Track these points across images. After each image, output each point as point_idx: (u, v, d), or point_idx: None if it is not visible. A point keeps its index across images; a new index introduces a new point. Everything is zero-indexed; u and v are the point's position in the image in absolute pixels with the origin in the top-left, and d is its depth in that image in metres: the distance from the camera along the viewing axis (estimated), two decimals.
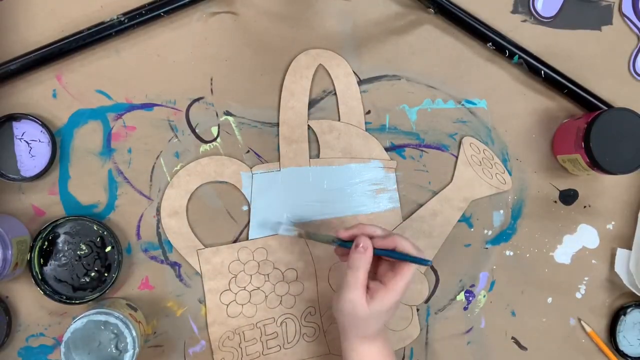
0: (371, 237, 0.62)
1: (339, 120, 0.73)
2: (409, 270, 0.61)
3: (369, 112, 0.74)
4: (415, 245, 0.62)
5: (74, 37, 0.68)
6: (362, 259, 0.61)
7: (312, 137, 0.73)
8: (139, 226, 0.70)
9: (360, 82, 0.74)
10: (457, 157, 0.75)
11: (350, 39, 0.73)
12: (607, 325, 0.77)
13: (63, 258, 0.68)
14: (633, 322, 0.76)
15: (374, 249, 0.62)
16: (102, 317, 0.62)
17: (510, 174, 0.76)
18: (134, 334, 0.62)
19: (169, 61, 0.71)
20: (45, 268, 0.68)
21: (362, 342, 0.63)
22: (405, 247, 0.61)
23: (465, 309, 0.75)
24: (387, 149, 0.74)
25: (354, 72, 0.73)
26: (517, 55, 0.73)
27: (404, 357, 0.74)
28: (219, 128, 0.72)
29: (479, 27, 0.73)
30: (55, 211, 0.69)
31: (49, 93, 0.69)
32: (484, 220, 0.75)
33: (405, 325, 0.74)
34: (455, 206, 0.74)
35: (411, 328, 0.74)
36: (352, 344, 0.63)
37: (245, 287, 0.71)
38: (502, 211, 0.76)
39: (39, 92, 0.69)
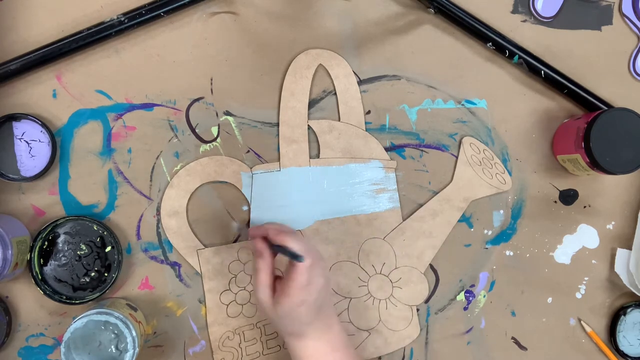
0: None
1: (339, 120, 0.73)
2: (296, 272, 0.60)
3: (369, 112, 0.74)
4: (303, 241, 0.61)
5: (74, 37, 0.68)
6: (259, 262, 0.62)
7: (312, 137, 0.73)
8: (139, 226, 0.70)
9: (360, 82, 0.74)
10: (457, 157, 0.75)
11: (350, 39, 0.73)
12: (607, 325, 0.77)
13: (63, 258, 0.68)
14: (633, 322, 0.76)
15: (275, 246, 0.62)
16: (102, 317, 0.62)
17: (510, 174, 0.76)
18: (134, 334, 0.62)
19: (169, 61, 0.71)
20: (45, 268, 0.68)
21: (293, 340, 0.62)
22: (288, 242, 0.61)
23: (465, 309, 0.75)
24: (387, 149, 0.74)
25: (354, 72, 0.73)
26: (517, 55, 0.73)
27: (404, 357, 0.74)
28: (219, 128, 0.72)
29: (479, 27, 0.73)
30: (55, 211, 0.69)
31: (49, 93, 0.69)
32: (484, 220, 0.75)
33: (405, 325, 0.74)
34: (455, 206, 0.74)
35: (411, 328, 0.74)
36: (286, 341, 0.63)
37: (245, 287, 0.71)
38: (502, 211, 0.76)
39: (39, 92, 0.69)
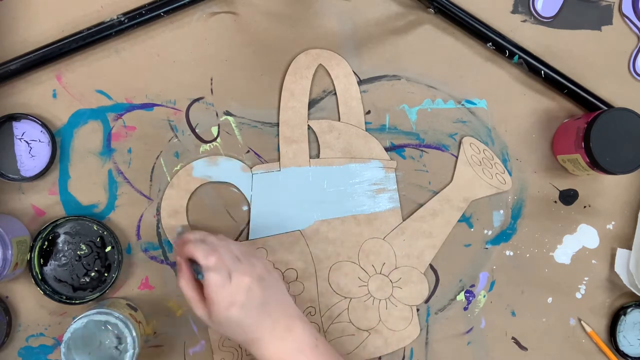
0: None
1: (339, 120, 0.73)
2: (206, 276, 0.58)
3: (369, 112, 0.74)
4: (210, 242, 0.60)
5: (74, 37, 0.68)
6: (179, 278, 0.61)
7: (312, 137, 0.73)
8: (139, 226, 0.70)
9: (360, 82, 0.74)
10: (457, 157, 0.75)
11: (350, 39, 0.73)
12: (607, 325, 0.77)
13: (63, 258, 0.68)
14: (633, 322, 0.76)
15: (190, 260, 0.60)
16: (102, 317, 0.62)
17: (510, 174, 0.76)
18: (134, 334, 0.62)
19: (169, 61, 0.71)
20: (45, 268, 0.68)
21: (251, 348, 0.60)
22: (191, 251, 0.59)
23: (465, 309, 0.75)
24: (387, 149, 0.74)
25: (354, 72, 0.73)
26: (517, 55, 0.73)
27: (404, 357, 0.74)
28: (219, 128, 0.72)
29: (479, 27, 0.73)
30: (55, 211, 0.69)
31: (49, 93, 0.69)
32: (484, 220, 0.75)
33: (405, 325, 0.74)
34: (455, 206, 0.74)
35: (411, 328, 0.74)
36: (249, 351, 0.61)
37: None
38: (502, 211, 0.76)
39: (39, 92, 0.69)
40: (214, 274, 0.58)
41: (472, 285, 0.75)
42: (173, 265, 0.71)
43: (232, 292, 0.58)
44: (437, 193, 0.74)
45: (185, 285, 0.60)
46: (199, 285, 0.60)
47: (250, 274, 0.59)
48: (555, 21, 0.76)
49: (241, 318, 0.58)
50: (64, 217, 0.68)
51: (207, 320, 0.60)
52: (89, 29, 0.68)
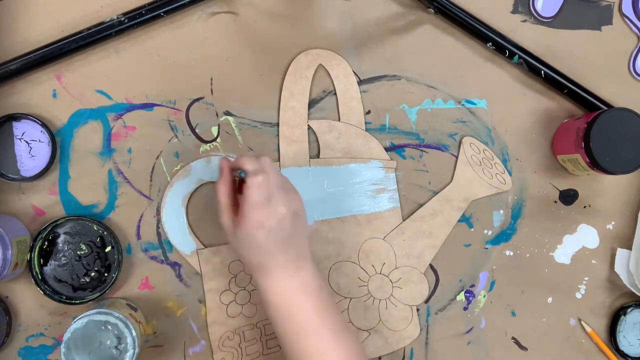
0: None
1: (339, 120, 0.73)
2: (248, 190, 0.58)
3: (369, 112, 0.74)
4: (260, 163, 0.60)
5: (74, 37, 0.68)
6: (218, 183, 0.62)
7: (312, 137, 0.73)
8: (139, 226, 0.70)
9: (360, 82, 0.74)
10: (457, 157, 0.75)
11: (350, 39, 0.73)
12: (607, 325, 0.77)
13: (63, 258, 0.68)
14: (633, 322, 0.76)
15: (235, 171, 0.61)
16: (102, 317, 0.62)
17: (510, 174, 0.76)
18: (134, 334, 0.62)
19: (169, 61, 0.71)
20: (45, 268, 0.68)
21: (258, 275, 0.61)
22: (242, 162, 0.60)
23: (465, 309, 0.75)
24: (387, 149, 0.74)
25: (354, 72, 0.73)
26: (517, 55, 0.73)
27: (404, 357, 0.74)
28: (219, 128, 0.72)
29: (479, 27, 0.73)
30: (55, 211, 0.69)
31: (49, 93, 0.69)
32: (484, 220, 0.75)
33: (405, 325, 0.74)
34: (455, 206, 0.74)
35: (411, 328, 0.74)
36: (253, 279, 0.62)
37: (245, 287, 0.71)
38: (502, 211, 0.76)
39: (39, 92, 0.69)
40: (258, 191, 0.58)
41: (472, 285, 0.75)
42: (173, 265, 0.71)
43: (267, 214, 0.58)
44: (437, 193, 0.74)
45: (223, 188, 0.61)
46: (235, 200, 0.62)
47: (288, 206, 0.60)
48: (555, 21, 0.76)
49: (263, 242, 0.59)
50: (64, 217, 0.68)
51: (229, 231, 0.61)
52: (89, 29, 0.68)
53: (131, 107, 0.70)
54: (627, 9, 0.76)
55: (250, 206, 0.58)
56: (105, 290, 0.68)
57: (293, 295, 0.60)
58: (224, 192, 0.62)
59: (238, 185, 0.64)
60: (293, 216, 0.60)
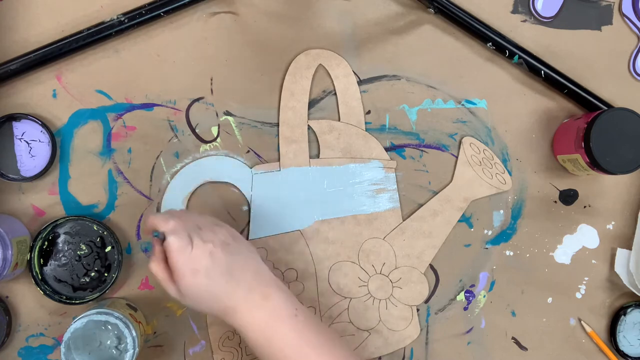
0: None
1: (339, 120, 0.73)
2: (166, 244, 0.57)
3: (369, 112, 0.74)
4: (161, 216, 0.58)
5: (74, 37, 0.68)
6: (151, 261, 0.59)
7: (312, 137, 0.73)
8: (139, 226, 0.70)
9: (360, 82, 0.74)
10: (457, 157, 0.75)
11: (350, 39, 0.73)
12: (607, 325, 0.77)
13: (63, 258, 0.68)
14: (633, 322, 0.76)
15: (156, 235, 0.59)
16: (102, 317, 0.62)
17: (510, 174, 0.76)
18: (134, 334, 0.62)
19: (169, 61, 0.71)
20: (45, 268, 0.68)
21: (228, 319, 0.58)
22: (152, 222, 0.58)
23: (465, 309, 0.75)
24: (387, 149, 0.74)
25: (354, 72, 0.73)
26: (517, 55, 0.73)
27: (404, 357, 0.74)
28: (219, 128, 0.72)
29: (479, 27, 0.73)
30: (55, 211, 0.69)
31: (49, 93, 0.69)
32: (484, 220, 0.75)
33: (405, 325, 0.74)
34: (455, 206, 0.74)
35: (411, 328, 0.74)
36: (228, 323, 0.59)
37: None
38: (502, 211, 0.76)
39: (39, 92, 0.69)
40: (174, 237, 0.56)
41: (472, 285, 0.75)
42: None
43: (194, 257, 0.56)
44: (437, 193, 0.74)
45: (156, 265, 0.58)
46: (169, 268, 0.59)
47: (212, 239, 0.58)
48: (555, 21, 0.76)
49: (208, 285, 0.57)
50: (64, 217, 0.68)
51: (179, 298, 0.58)
52: (89, 29, 0.68)
53: (131, 107, 0.70)
54: (627, 9, 0.76)
55: (174, 256, 0.56)
56: (105, 290, 0.68)
57: (266, 326, 0.57)
58: (158, 268, 0.58)
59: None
60: (223, 246, 0.58)
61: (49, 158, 0.67)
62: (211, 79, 0.71)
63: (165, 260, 0.58)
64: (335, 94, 0.73)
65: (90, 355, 0.61)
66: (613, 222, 0.77)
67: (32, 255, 0.67)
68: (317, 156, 0.73)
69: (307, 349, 0.57)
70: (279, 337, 0.57)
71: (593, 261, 0.77)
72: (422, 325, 0.74)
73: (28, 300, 0.69)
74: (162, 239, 0.58)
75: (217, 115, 0.72)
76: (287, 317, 0.58)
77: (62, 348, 0.61)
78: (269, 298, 0.58)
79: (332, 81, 0.73)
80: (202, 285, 0.57)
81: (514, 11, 0.75)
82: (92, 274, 0.68)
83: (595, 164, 0.69)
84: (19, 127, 0.68)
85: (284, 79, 0.72)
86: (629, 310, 0.76)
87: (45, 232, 0.68)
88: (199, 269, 0.56)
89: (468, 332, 0.75)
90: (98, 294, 0.68)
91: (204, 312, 0.62)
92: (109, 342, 0.62)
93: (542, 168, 0.76)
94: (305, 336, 0.58)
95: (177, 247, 0.56)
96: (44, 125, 0.67)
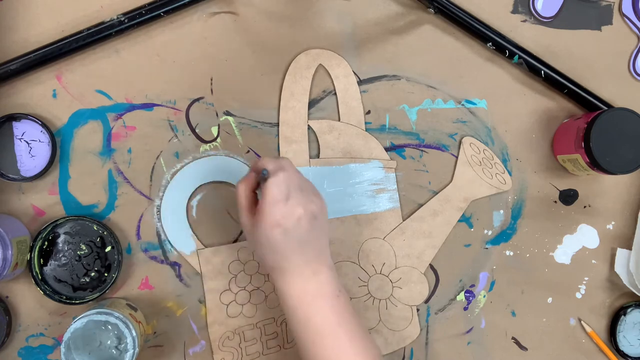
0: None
1: (339, 120, 0.73)
2: (266, 188, 0.59)
3: (369, 112, 0.74)
4: (280, 162, 0.60)
5: (74, 37, 0.68)
6: (241, 181, 0.62)
7: (312, 137, 0.73)
8: (139, 226, 0.70)
9: (360, 82, 0.74)
10: (457, 157, 0.75)
11: (350, 39, 0.73)
12: (607, 325, 0.77)
13: (63, 258, 0.68)
14: (633, 322, 0.76)
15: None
16: (102, 317, 0.62)
17: (510, 174, 0.76)
18: (134, 334, 0.62)
19: (169, 61, 0.71)
20: (45, 268, 0.68)
21: (276, 274, 0.60)
22: (263, 162, 0.61)
23: (465, 309, 0.75)
24: (387, 149, 0.74)
25: (354, 72, 0.73)
26: (517, 55, 0.73)
27: (404, 357, 0.74)
28: (219, 128, 0.72)
29: (479, 27, 0.73)
30: (55, 211, 0.69)
31: (49, 93, 0.69)
32: (484, 220, 0.75)
33: (405, 325, 0.74)
34: (455, 206, 0.74)
35: (411, 328, 0.74)
36: (271, 279, 0.61)
37: (245, 287, 0.71)
38: (502, 211, 0.76)
39: (39, 92, 0.69)
40: (276, 187, 0.58)
41: (472, 285, 0.75)
42: (173, 265, 0.71)
43: (283, 213, 0.58)
44: (437, 193, 0.74)
45: (243, 189, 0.61)
46: (254, 200, 0.62)
47: (306, 207, 0.59)
48: (555, 21, 0.76)
49: (279, 242, 0.58)
50: (64, 217, 0.68)
51: (247, 230, 0.61)
52: (89, 29, 0.68)
53: (131, 107, 0.70)
54: (627, 9, 0.76)
55: (268, 203, 0.58)
56: (105, 290, 0.68)
57: (310, 299, 0.60)
58: (244, 194, 0.62)
59: (258, 186, 0.63)
60: (311, 218, 0.59)
61: (49, 158, 0.67)
62: (211, 79, 0.71)
63: (253, 189, 0.62)
64: (335, 94, 0.73)
65: (90, 355, 0.61)
66: (613, 222, 0.77)
67: (32, 255, 0.67)
68: (317, 156, 0.73)
69: (341, 334, 0.59)
70: (317, 311, 0.59)
71: (593, 261, 0.77)
72: (422, 325, 0.74)
73: (28, 300, 0.69)
74: (265, 178, 0.60)
75: (217, 115, 0.72)
76: (330, 296, 0.60)
77: (62, 348, 0.61)
78: (318, 274, 0.60)
79: (332, 81, 0.73)
80: (273, 239, 0.58)
81: (514, 11, 0.75)
82: (92, 274, 0.68)
83: (595, 164, 0.69)
84: (19, 127, 0.68)
85: (284, 79, 0.72)
86: (629, 310, 0.76)
87: (45, 232, 0.68)
88: (281, 225, 0.58)
89: (468, 332, 0.75)
90: (98, 294, 0.68)
91: (256, 253, 0.63)
92: (109, 342, 0.62)
93: (542, 168, 0.76)
94: (343, 317, 0.60)
95: (273, 196, 0.58)
96: (44, 125, 0.67)
